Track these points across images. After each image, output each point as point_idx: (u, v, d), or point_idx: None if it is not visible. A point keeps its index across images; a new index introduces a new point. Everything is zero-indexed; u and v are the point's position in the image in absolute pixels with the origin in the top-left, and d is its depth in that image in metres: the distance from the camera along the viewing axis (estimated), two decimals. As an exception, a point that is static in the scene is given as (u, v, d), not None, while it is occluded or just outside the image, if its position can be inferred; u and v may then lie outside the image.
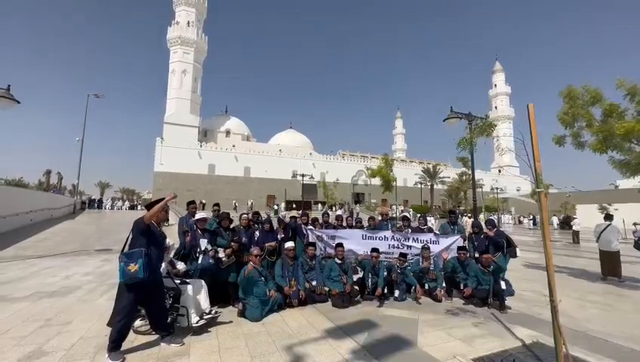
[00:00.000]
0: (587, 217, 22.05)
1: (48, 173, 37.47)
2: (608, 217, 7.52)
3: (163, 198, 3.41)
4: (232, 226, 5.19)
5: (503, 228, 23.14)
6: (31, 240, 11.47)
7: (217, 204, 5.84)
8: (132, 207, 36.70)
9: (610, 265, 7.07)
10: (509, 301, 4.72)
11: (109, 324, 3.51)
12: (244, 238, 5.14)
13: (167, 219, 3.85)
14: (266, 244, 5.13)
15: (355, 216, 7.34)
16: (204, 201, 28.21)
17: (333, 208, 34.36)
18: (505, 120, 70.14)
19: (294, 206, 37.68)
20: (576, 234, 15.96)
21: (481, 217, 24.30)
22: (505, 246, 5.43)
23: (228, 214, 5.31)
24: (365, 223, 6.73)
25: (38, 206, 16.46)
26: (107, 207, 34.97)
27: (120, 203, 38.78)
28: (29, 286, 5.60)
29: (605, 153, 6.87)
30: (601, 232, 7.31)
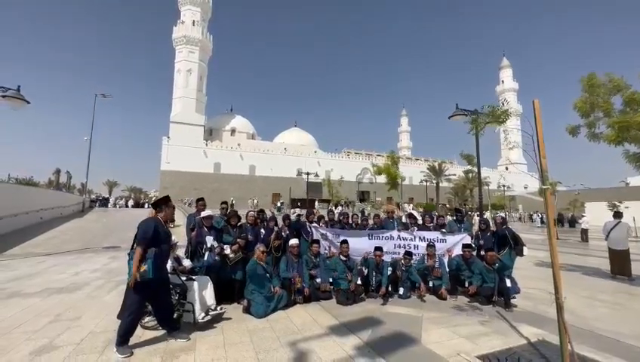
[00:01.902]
0: (597, 215, 21.68)
1: (58, 172, 38.20)
2: (617, 215, 7.39)
3: (168, 196, 3.48)
4: (239, 223, 5.22)
5: (510, 225, 22.88)
6: (41, 237, 11.71)
7: (225, 202, 5.90)
8: (137, 205, 37.32)
9: (620, 264, 6.95)
10: (515, 299, 4.68)
11: (119, 317, 3.60)
12: (250, 236, 5.16)
13: (174, 220, 3.90)
14: (271, 236, 5.14)
15: (365, 214, 7.24)
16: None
17: (340, 206, 34.29)
18: (512, 116, 69.20)
19: (299, 204, 37.73)
20: (584, 232, 15.73)
21: (488, 215, 24.09)
22: (512, 244, 5.37)
23: (236, 212, 5.32)
24: (370, 221, 6.71)
25: (47, 204, 16.77)
26: (110, 205, 35.49)
27: (122, 201, 39.33)
28: (40, 282, 5.73)
29: (621, 145, 6.64)
30: (611, 230, 7.19)
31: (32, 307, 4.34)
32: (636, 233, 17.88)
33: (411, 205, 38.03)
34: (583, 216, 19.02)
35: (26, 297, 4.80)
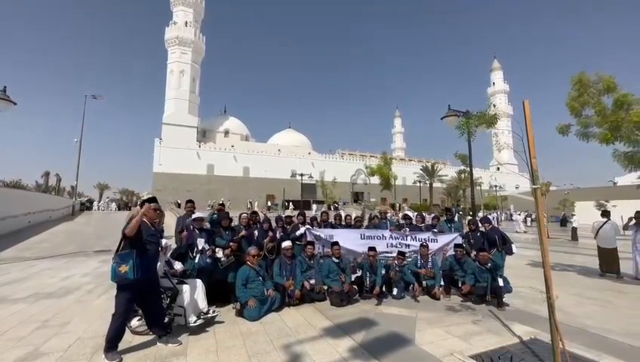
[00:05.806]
0: (586, 214, 22.08)
1: (47, 174, 37.40)
2: (605, 214, 7.54)
3: (154, 197, 3.51)
4: (231, 225, 5.17)
5: (500, 225, 23.18)
6: (30, 241, 11.45)
7: (222, 204, 5.90)
8: (127, 206, 36.82)
9: (609, 262, 7.08)
10: (507, 298, 4.73)
11: None
12: (244, 232, 5.09)
13: (162, 225, 3.83)
14: (265, 240, 5.12)
15: (368, 216, 7.21)
16: (179, 201, 28.22)
17: (332, 207, 34.24)
18: (503, 117, 70.16)
19: (286, 205, 37.50)
20: (574, 230, 16.00)
21: (480, 215, 24.32)
22: (500, 243, 5.44)
23: (227, 214, 5.29)
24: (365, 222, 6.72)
25: (36, 208, 16.41)
26: (95, 208, 34.62)
27: (105, 204, 38.38)
28: (28, 287, 5.59)
29: (612, 144, 6.63)
30: (599, 229, 7.32)
31: (19, 313, 4.22)
32: (624, 231, 18.27)
33: (406, 206, 38.27)
34: (574, 215, 19.35)
35: (14, 302, 4.68)
